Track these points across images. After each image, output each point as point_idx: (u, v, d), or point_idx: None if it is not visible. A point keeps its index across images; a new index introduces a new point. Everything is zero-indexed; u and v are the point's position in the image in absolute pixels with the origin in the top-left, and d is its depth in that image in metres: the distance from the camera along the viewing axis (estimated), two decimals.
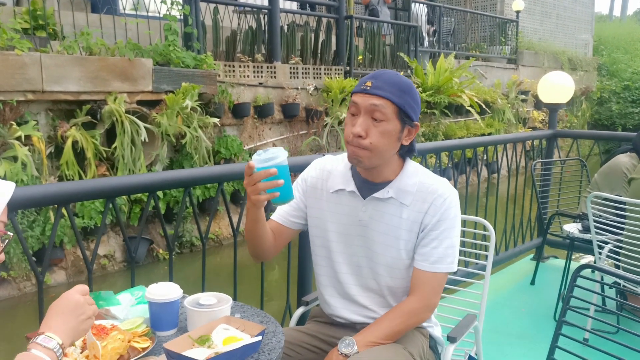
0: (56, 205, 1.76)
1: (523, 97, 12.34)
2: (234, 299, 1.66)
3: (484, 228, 2.16)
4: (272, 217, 1.71)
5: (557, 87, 4.04)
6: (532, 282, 3.83)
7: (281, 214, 1.70)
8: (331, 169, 1.67)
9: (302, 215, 1.70)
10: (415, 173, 1.59)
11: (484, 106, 10.54)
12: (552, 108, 4.18)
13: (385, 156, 1.52)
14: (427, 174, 1.60)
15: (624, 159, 3.22)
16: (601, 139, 4.36)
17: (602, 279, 2.64)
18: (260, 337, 1.28)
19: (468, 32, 13.21)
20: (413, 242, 1.56)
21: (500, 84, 11.98)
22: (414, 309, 1.54)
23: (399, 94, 1.47)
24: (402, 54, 9.82)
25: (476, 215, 3.88)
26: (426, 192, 1.55)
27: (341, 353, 1.45)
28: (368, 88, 1.47)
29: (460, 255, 2.38)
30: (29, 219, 4.96)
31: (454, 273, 1.68)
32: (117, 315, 1.39)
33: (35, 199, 1.63)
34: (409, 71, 9.84)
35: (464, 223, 2.31)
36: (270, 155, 1.37)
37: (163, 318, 1.38)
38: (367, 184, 1.59)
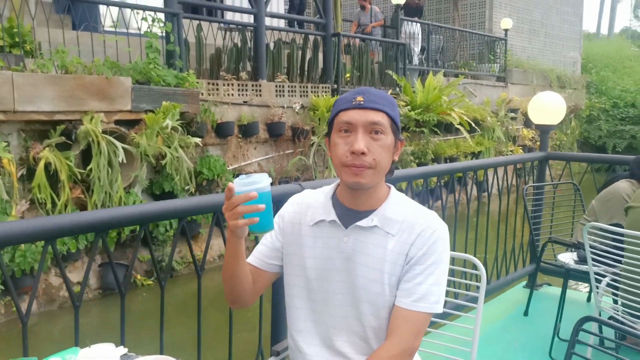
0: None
1: (512, 115, 12.28)
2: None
3: (474, 267, 1.96)
4: (247, 260, 1.54)
5: (549, 108, 3.89)
6: (526, 313, 3.64)
7: (257, 256, 1.55)
8: (310, 202, 1.53)
9: (279, 256, 1.54)
10: (401, 201, 1.47)
11: (473, 124, 10.44)
12: (544, 129, 4.03)
13: (383, 173, 1.43)
14: (414, 204, 1.49)
15: (624, 185, 3.06)
16: (594, 162, 4.20)
17: (599, 328, 2.45)
18: None
19: (457, 50, 13.17)
20: (397, 276, 1.40)
21: (489, 101, 11.90)
22: (391, 356, 1.35)
23: (391, 107, 1.40)
24: (390, 72, 9.70)
25: (466, 238, 3.72)
26: (414, 222, 1.42)
27: None
28: (362, 103, 1.38)
29: (449, 295, 2.20)
30: None
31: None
32: None
33: (14, 236, 1.45)
34: (397, 89, 9.72)
35: (453, 260, 2.12)
36: (253, 180, 1.27)
37: None
38: (350, 212, 1.46)
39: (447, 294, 2.16)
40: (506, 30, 13.10)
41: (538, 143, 12.31)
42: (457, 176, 3.67)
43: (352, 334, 1.46)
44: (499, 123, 11.66)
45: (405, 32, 10.95)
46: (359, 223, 1.43)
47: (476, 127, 10.74)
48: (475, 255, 1.97)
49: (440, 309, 1.39)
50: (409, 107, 9.34)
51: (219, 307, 4.83)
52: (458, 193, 3.90)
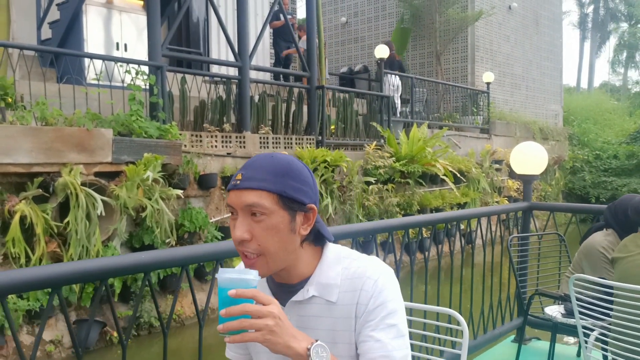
0: None
1: (497, 166, 12.36)
2: None
3: (457, 323, 1.87)
4: (229, 357, 1.47)
5: (530, 158, 3.87)
6: None
7: (237, 350, 1.46)
8: (253, 277, 1.40)
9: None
10: (337, 260, 1.30)
11: (458, 175, 10.47)
12: (526, 179, 4.00)
13: (283, 255, 1.24)
14: (352, 256, 1.32)
15: (599, 238, 3.00)
16: (578, 212, 4.17)
17: None
18: None
19: (440, 103, 13.38)
20: (353, 343, 1.26)
21: (474, 153, 12.00)
22: None
23: (274, 180, 1.21)
24: (374, 124, 9.78)
25: (451, 291, 3.62)
26: (353, 279, 1.26)
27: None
28: (238, 182, 1.22)
29: (433, 353, 2.09)
30: None
31: None
32: None
33: None
34: (382, 140, 9.77)
35: (437, 315, 2.03)
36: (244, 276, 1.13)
37: None
38: (283, 287, 1.31)
39: (430, 351, 2.06)
40: (488, 84, 13.37)
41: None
42: (440, 227, 3.61)
43: None
44: (484, 174, 11.72)
45: (389, 83, 11.11)
46: (295, 298, 1.30)
47: (462, 178, 10.77)
48: (460, 309, 1.89)
49: None
50: (393, 158, 9.37)
51: None
52: (442, 245, 3.82)
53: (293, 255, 1.26)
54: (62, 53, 6.23)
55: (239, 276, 1.12)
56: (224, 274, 1.13)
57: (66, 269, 1.60)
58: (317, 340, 1.14)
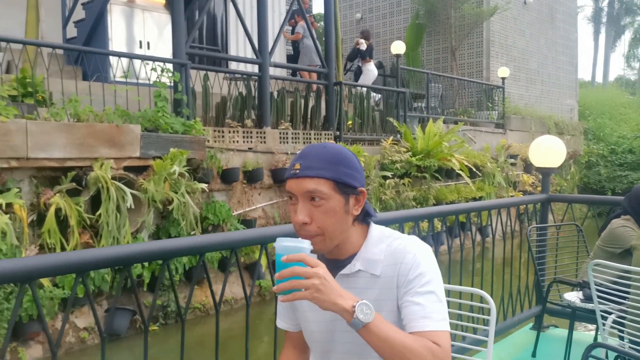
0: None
1: (512, 160, 12.43)
2: None
3: (481, 300, 2.02)
4: (280, 327, 1.66)
5: (549, 151, 4.00)
6: (534, 355, 3.64)
7: (287, 321, 1.64)
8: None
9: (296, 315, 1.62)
10: (381, 238, 1.47)
11: (474, 169, 10.56)
12: (545, 172, 4.13)
13: (339, 234, 1.41)
14: (393, 235, 1.48)
15: (619, 222, 3.13)
16: (595, 204, 4.28)
17: (607, 354, 2.48)
18: None
19: (456, 98, 13.46)
20: (395, 311, 1.41)
21: (489, 148, 12.08)
22: (434, 351, 1.29)
23: (331, 167, 1.37)
24: (391, 119, 9.91)
25: (472, 282, 3.76)
26: (394, 254, 1.42)
27: (356, 317, 1.26)
28: (297, 172, 1.38)
29: (456, 329, 2.24)
30: (6, 290, 4.74)
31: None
32: None
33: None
34: (398, 136, 9.90)
35: (460, 295, 2.18)
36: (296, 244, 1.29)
37: None
38: (332, 262, 1.47)
39: (455, 335, 2.20)
40: (503, 79, 13.42)
41: (539, 188, 12.43)
42: (461, 220, 3.75)
43: None
44: (499, 169, 11.80)
45: (369, 70, 11.12)
46: (343, 271, 1.45)
47: (477, 173, 10.86)
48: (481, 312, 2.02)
49: (447, 327, 1.36)
50: (409, 153, 9.50)
51: (228, 351, 4.81)
52: (461, 237, 3.97)
53: (346, 234, 1.43)
54: (95, 52, 6.44)
55: (293, 244, 1.28)
56: (280, 242, 1.29)
57: (91, 254, 1.69)
58: (362, 300, 1.28)
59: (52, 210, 5.12)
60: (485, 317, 1.98)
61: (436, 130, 9.91)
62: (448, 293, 2.14)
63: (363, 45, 11.33)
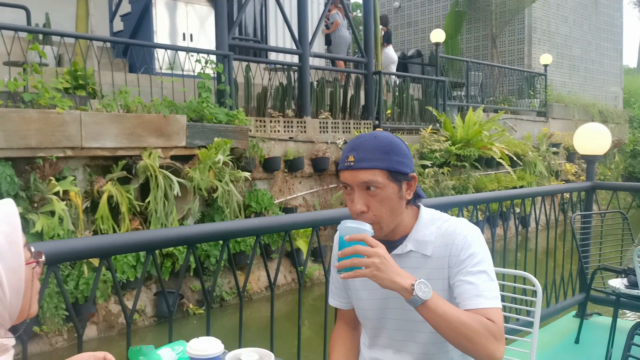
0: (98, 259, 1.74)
1: (554, 149, 12.22)
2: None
3: (525, 282, 2.07)
4: (333, 304, 1.75)
5: (594, 139, 3.98)
6: (577, 341, 3.66)
7: (339, 299, 1.73)
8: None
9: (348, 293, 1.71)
10: (431, 220, 1.54)
11: (514, 159, 10.45)
12: (590, 160, 4.11)
13: (394, 219, 1.49)
14: (443, 217, 1.55)
15: None
16: None
17: None
18: None
19: (496, 86, 13.29)
20: (446, 290, 1.48)
21: (530, 136, 11.91)
22: (489, 326, 1.35)
23: (384, 158, 1.44)
24: (430, 108, 9.89)
25: (516, 264, 3.80)
26: (445, 235, 1.49)
27: (415, 294, 1.32)
28: (352, 164, 1.44)
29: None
30: (63, 272, 5.00)
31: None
32: None
33: (76, 252, 1.62)
34: (437, 125, 9.87)
35: (503, 276, 2.24)
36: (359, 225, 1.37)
37: None
38: (386, 243, 1.51)
39: (507, 310, 2.27)
40: (546, 66, 13.18)
41: (582, 178, 12.18)
42: (499, 209, 3.77)
43: (410, 355, 1.56)
44: (540, 158, 11.64)
45: (386, 56, 11.05)
46: (395, 251, 1.52)
47: (518, 162, 10.75)
48: (524, 293, 2.07)
49: (499, 304, 1.42)
50: (449, 142, 9.47)
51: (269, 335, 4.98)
52: (505, 225, 3.99)
53: (400, 217, 1.51)
54: (143, 45, 6.65)
55: (356, 225, 1.37)
56: (344, 224, 1.38)
57: (158, 234, 1.85)
58: (420, 279, 1.35)
59: (104, 197, 5.36)
60: (531, 299, 2.04)
61: (476, 119, 9.84)
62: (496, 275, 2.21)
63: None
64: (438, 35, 10.66)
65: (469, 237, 1.47)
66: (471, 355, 1.37)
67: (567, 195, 4.23)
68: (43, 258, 1.08)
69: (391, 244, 1.55)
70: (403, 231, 1.54)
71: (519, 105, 12.94)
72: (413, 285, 1.33)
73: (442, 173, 9.20)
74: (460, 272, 1.45)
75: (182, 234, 1.82)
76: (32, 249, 1.05)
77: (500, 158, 9.76)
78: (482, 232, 3.90)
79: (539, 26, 14.18)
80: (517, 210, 7.45)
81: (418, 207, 1.58)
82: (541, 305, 2.01)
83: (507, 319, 2.90)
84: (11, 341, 1.00)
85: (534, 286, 2.03)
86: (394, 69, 11.40)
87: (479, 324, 1.34)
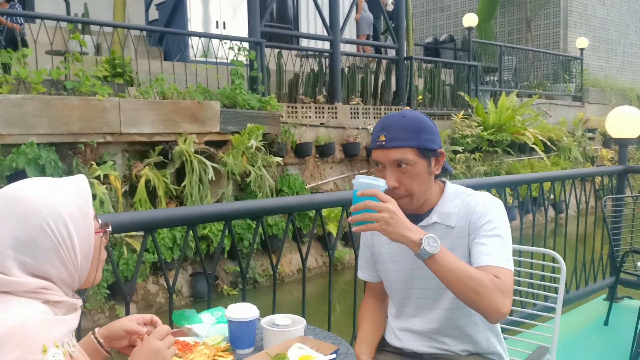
0: (141, 235, 1.87)
1: (590, 135, 12.01)
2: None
3: (553, 260, 2.13)
4: (362, 278, 1.83)
5: (627, 121, 3.96)
6: (606, 323, 3.67)
7: (368, 273, 1.81)
8: None
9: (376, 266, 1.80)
10: (456, 194, 1.62)
11: (549, 144, 10.33)
12: (622, 143, 4.08)
13: (424, 193, 1.57)
14: (468, 192, 1.63)
15: None
16: None
17: None
18: (334, 356, 1.33)
19: (530, 71, 13.08)
20: (467, 257, 1.56)
21: (565, 121, 11.72)
22: (495, 282, 1.42)
23: (413, 137, 1.51)
24: (462, 93, 9.83)
25: (543, 256, 3.80)
26: (467, 207, 1.57)
27: (423, 248, 1.39)
28: (383, 143, 1.52)
29: (527, 287, 2.36)
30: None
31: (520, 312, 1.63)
32: (199, 333, 1.48)
33: (124, 224, 1.75)
34: (469, 110, 9.81)
35: (531, 255, 2.30)
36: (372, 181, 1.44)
37: (241, 336, 1.45)
38: (412, 216, 1.60)
39: (525, 301, 2.32)
40: (582, 50, 12.91)
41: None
42: (534, 195, 3.78)
43: (435, 322, 1.65)
44: (575, 143, 11.45)
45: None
46: (421, 223, 1.60)
47: (552, 147, 10.61)
48: (552, 271, 2.12)
49: (510, 267, 1.48)
50: (481, 127, 9.41)
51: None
52: (534, 209, 4.01)
53: (429, 191, 1.60)
54: (178, 33, 6.84)
55: (369, 181, 1.44)
56: (358, 179, 1.45)
57: (198, 210, 1.98)
58: (429, 233, 1.42)
59: (142, 181, 5.55)
60: (556, 275, 2.09)
61: (509, 104, 9.75)
62: (519, 253, 2.27)
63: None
64: (470, 20, 10.56)
65: (487, 206, 1.56)
66: (478, 309, 1.44)
67: (598, 179, 4.21)
68: (110, 228, 1.20)
69: (418, 217, 1.63)
70: (429, 204, 1.62)
71: (554, 90, 12.73)
72: (421, 239, 1.39)
73: (474, 158, 9.17)
74: (477, 236, 1.54)
75: (219, 210, 1.93)
76: (100, 221, 1.17)
77: (534, 143, 9.66)
78: (515, 218, 3.91)
79: (575, 9, 13.88)
80: (550, 196, 7.39)
81: (444, 182, 1.67)
82: (565, 281, 2.06)
83: (536, 297, 2.96)
84: (79, 302, 1.12)
85: (557, 262, 2.09)
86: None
87: (487, 278, 1.41)
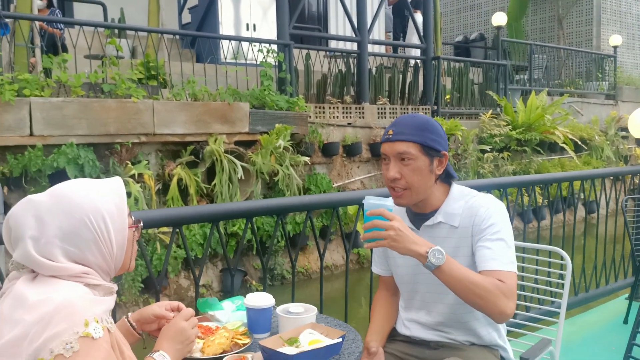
0: (170, 230, 2.03)
1: (623, 133, 11.80)
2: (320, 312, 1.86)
3: (561, 258, 2.22)
4: (375, 272, 1.98)
5: None
6: (625, 321, 3.72)
7: (381, 267, 1.96)
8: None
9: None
10: (460, 196, 1.74)
11: (579, 143, 10.22)
12: None
13: (423, 190, 1.69)
14: (472, 193, 1.74)
15: None
16: None
17: None
18: (340, 340, 1.47)
19: (562, 69, 12.94)
20: (469, 256, 1.68)
21: (597, 120, 11.57)
22: (499, 286, 1.54)
23: (418, 133, 1.65)
24: (491, 92, 9.81)
25: (572, 254, 3.86)
26: (471, 209, 1.69)
27: (429, 261, 1.51)
28: (391, 136, 1.67)
29: (536, 283, 2.45)
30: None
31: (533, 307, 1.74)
32: (220, 318, 1.64)
33: (155, 220, 1.92)
34: (498, 109, 9.79)
35: (537, 252, 2.39)
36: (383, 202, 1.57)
37: (258, 322, 1.60)
38: (419, 216, 1.76)
39: (533, 301, 2.41)
40: (615, 47, 12.70)
41: None
42: (564, 195, 3.83)
43: (439, 314, 1.78)
44: (608, 142, 11.30)
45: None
46: (427, 223, 1.74)
47: (583, 146, 10.50)
48: (573, 263, 2.20)
49: (514, 269, 1.60)
50: (509, 126, 9.39)
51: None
52: (564, 207, 4.06)
53: (429, 190, 1.72)
54: (209, 37, 7.04)
55: (377, 202, 1.58)
56: (368, 200, 1.60)
57: (222, 208, 2.15)
58: (436, 246, 1.54)
59: (174, 180, 5.78)
60: (562, 272, 2.19)
61: (539, 103, 9.69)
62: (523, 250, 2.36)
63: None
64: (499, 19, 10.53)
65: (490, 209, 1.67)
66: (484, 311, 1.57)
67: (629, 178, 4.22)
68: (141, 224, 1.37)
69: (424, 216, 1.76)
70: (434, 205, 1.75)
71: (587, 89, 12.56)
72: (427, 252, 1.52)
73: (502, 158, 9.16)
74: (480, 239, 1.66)
75: (241, 208, 2.09)
76: (133, 217, 1.35)
77: (564, 142, 9.58)
78: (544, 217, 3.94)
79: (609, 6, 13.65)
80: (581, 195, 7.34)
81: (449, 184, 1.78)
82: (571, 276, 2.16)
83: (547, 294, 3.03)
84: (115, 287, 1.29)
85: (564, 260, 2.18)
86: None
87: (490, 283, 1.54)
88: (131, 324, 1.50)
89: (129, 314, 1.53)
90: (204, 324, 1.58)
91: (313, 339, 1.50)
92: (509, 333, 2.05)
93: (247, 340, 1.51)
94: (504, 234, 1.65)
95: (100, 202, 1.25)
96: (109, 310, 1.24)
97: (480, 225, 1.66)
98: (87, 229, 1.21)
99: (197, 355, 1.43)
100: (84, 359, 1.10)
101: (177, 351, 1.33)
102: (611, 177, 4.56)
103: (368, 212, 1.57)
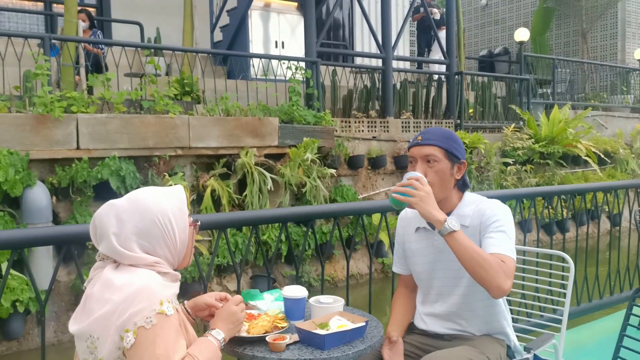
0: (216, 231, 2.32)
1: None
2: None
3: (563, 260, 2.44)
4: (396, 271, 2.24)
5: None
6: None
7: (400, 267, 2.22)
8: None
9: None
10: (472, 201, 2.01)
11: (602, 156, 10.29)
12: None
13: (443, 190, 1.96)
14: (483, 199, 2.00)
15: None
16: None
17: None
18: (364, 324, 1.74)
19: (586, 83, 13.02)
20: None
21: (622, 133, 11.61)
22: (500, 264, 1.77)
23: (444, 140, 1.95)
24: (514, 106, 9.98)
25: (597, 266, 4.02)
26: (480, 211, 1.96)
27: (446, 224, 1.77)
28: (420, 141, 1.95)
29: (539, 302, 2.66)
30: None
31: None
32: (261, 307, 1.92)
33: (204, 223, 2.20)
34: (521, 123, 9.95)
35: (537, 255, 2.61)
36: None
37: (294, 310, 1.88)
38: None
39: (537, 309, 2.61)
40: None
41: None
42: (588, 206, 3.99)
43: (454, 307, 2.03)
44: (633, 155, 11.33)
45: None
46: None
47: (606, 160, 10.56)
48: (585, 271, 2.39)
49: (513, 256, 1.85)
50: (532, 140, 9.54)
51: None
52: (587, 218, 4.24)
53: (448, 193, 1.99)
54: (241, 55, 7.42)
55: (415, 174, 1.86)
56: (408, 174, 1.87)
57: (258, 214, 2.43)
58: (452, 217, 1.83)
59: (208, 191, 6.11)
60: (565, 273, 2.41)
61: (562, 117, 9.82)
62: (523, 253, 2.59)
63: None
64: (522, 34, 10.72)
65: (496, 209, 1.95)
66: (484, 283, 1.80)
67: None
68: (199, 223, 1.66)
69: None
70: (450, 208, 2.01)
71: (611, 102, 12.62)
72: (446, 219, 1.80)
73: (525, 170, 9.30)
74: (486, 232, 1.93)
75: (276, 214, 2.38)
76: (192, 218, 1.64)
77: (587, 155, 9.68)
78: (568, 229, 4.08)
79: (634, 20, 13.71)
80: (604, 205, 7.47)
81: (463, 192, 2.05)
82: (573, 280, 2.38)
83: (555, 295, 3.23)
84: (179, 275, 1.58)
85: (567, 263, 2.40)
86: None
87: (493, 259, 1.80)
88: (187, 310, 1.79)
89: (185, 301, 1.83)
90: (248, 311, 1.87)
91: (341, 324, 1.77)
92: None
93: (285, 324, 1.79)
94: (506, 228, 1.91)
95: (167, 206, 1.55)
96: (175, 294, 1.54)
97: (486, 222, 1.93)
98: (156, 227, 1.52)
99: (244, 334, 1.72)
100: (160, 330, 1.40)
101: (229, 330, 1.63)
102: (634, 189, 4.72)
103: (408, 176, 1.85)
